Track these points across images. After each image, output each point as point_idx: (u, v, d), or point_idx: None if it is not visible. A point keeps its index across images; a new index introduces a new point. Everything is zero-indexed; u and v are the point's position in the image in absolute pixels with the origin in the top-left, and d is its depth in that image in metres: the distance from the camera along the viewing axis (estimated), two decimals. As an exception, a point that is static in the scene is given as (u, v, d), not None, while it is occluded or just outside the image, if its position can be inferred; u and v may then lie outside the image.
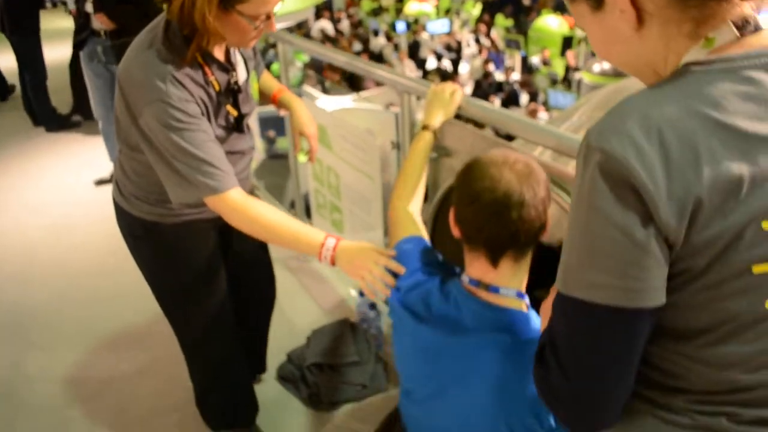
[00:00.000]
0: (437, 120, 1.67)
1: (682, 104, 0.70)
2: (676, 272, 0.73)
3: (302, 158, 1.83)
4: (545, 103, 8.90)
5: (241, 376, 2.09)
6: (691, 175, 0.67)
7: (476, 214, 1.18)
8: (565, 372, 0.78)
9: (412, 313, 1.31)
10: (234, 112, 1.54)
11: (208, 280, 1.81)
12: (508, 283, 1.23)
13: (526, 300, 1.25)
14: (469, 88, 9.84)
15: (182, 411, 2.32)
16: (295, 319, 2.81)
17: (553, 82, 10.25)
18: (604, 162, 0.70)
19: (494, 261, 1.20)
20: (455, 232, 1.26)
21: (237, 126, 1.57)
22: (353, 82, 8.42)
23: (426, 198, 2.27)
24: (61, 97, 5.50)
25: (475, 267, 1.24)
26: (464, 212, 1.22)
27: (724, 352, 0.75)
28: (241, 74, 1.58)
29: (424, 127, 1.66)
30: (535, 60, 11.53)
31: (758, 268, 0.70)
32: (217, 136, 1.49)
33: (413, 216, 1.60)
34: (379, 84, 6.32)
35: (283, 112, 1.90)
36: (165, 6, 1.35)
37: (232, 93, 1.53)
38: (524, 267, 1.25)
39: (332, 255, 1.41)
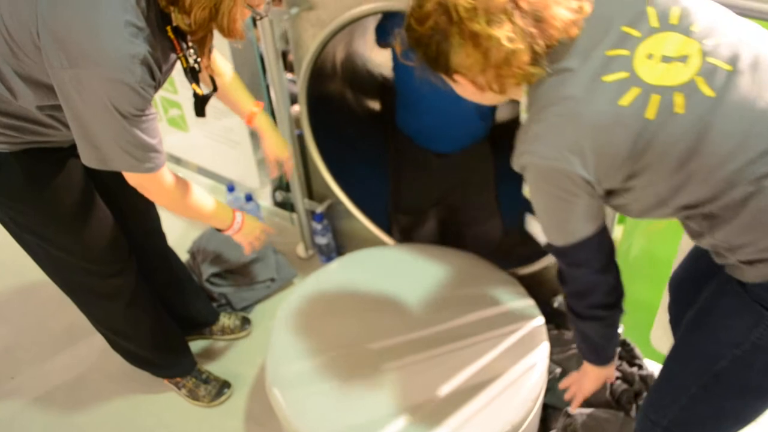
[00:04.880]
0: None
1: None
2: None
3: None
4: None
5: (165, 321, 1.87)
6: None
7: None
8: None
9: None
10: (200, 91, 1.32)
11: (85, 210, 1.50)
12: None
13: None
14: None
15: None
16: (163, 238, 2.50)
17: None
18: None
19: None
20: None
21: (199, 108, 1.36)
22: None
23: (290, 66, 2.07)
24: None
25: None
26: None
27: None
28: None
29: None
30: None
31: None
32: None
33: None
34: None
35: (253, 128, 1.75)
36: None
37: (192, 71, 1.30)
38: None
39: (239, 229, 1.55)
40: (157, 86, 1.22)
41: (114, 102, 1.11)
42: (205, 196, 1.45)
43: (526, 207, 1.20)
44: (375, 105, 2.27)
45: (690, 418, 1.20)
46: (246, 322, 2.16)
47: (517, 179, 1.16)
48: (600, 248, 1.13)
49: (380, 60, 2.08)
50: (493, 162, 2.04)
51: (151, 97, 1.18)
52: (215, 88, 1.42)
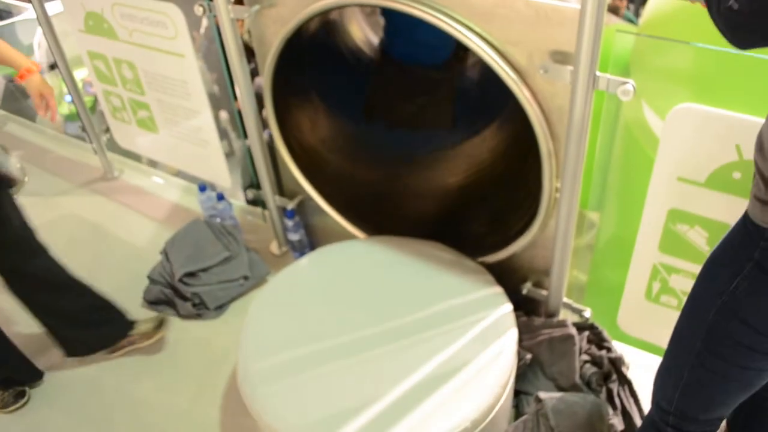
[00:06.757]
0: None
1: None
2: None
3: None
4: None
5: None
6: None
7: None
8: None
9: None
10: None
11: None
12: None
13: None
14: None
15: None
16: (137, 242, 2.49)
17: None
18: None
19: None
20: None
21: None
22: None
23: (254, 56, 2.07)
24: None
25: None
26: None
27: None
28: None
29: None
30: None
31: None
32: None
33: None
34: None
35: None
36: None
37: None
38: None
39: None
40: None
41: None
42: None
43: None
44: (343, 92, 2.28)
45: (696, 392, 1.15)
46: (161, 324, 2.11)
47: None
48: None
49: (356, 36, 2.16)
50: (452, 81, 2.32)
51: None
52: None
